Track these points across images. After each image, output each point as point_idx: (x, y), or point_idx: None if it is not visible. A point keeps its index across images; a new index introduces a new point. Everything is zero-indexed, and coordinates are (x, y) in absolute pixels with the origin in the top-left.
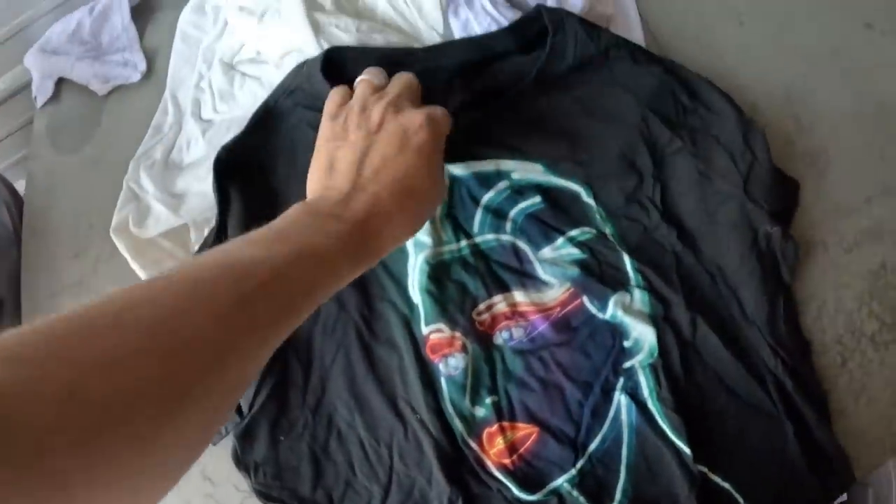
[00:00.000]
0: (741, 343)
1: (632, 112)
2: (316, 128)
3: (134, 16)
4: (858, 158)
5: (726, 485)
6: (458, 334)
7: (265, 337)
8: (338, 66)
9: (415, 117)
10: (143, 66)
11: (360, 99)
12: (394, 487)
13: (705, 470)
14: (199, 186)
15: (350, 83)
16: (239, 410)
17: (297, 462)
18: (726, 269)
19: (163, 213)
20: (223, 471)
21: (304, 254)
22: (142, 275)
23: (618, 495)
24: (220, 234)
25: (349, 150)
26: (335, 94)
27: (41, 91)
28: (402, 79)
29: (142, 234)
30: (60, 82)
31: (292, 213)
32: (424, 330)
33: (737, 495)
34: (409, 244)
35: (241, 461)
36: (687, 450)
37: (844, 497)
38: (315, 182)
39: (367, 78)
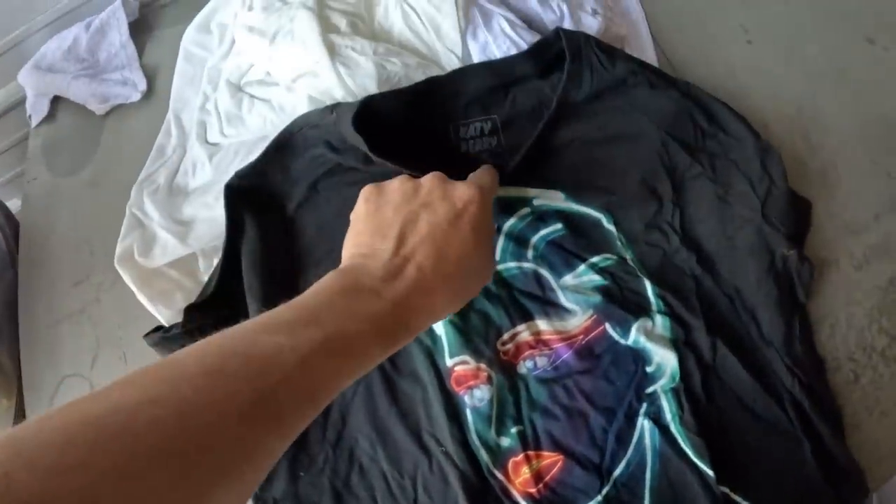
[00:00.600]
0: (759, 364)
1: (651, 138)
2: (338, 173)
3: (132, 32)
4: (866, 175)
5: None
6: (483, 365)
7: (286, 432)
8: (369, 113)
9: (467, 190)
10: (143, 85)
11: (405, 180)
12: None
13: (727, 491)
14: (207, 213)
15: (380, 129)
16: None
17: (318, 497)
18: (744, 291)
19: (169, 241)
20: None
21: (335, 341)
22: (149, 307)
23: None
24: (228, 263)
25: (397, 213)
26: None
27: (36, 110)
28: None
29: (148, 265)
30: (56, 100)
31: (326, 286)
32: (449, 362)
33: None
34: None
35: (260, 498)
36: (710, 472)
37: None
38: (355, 243)
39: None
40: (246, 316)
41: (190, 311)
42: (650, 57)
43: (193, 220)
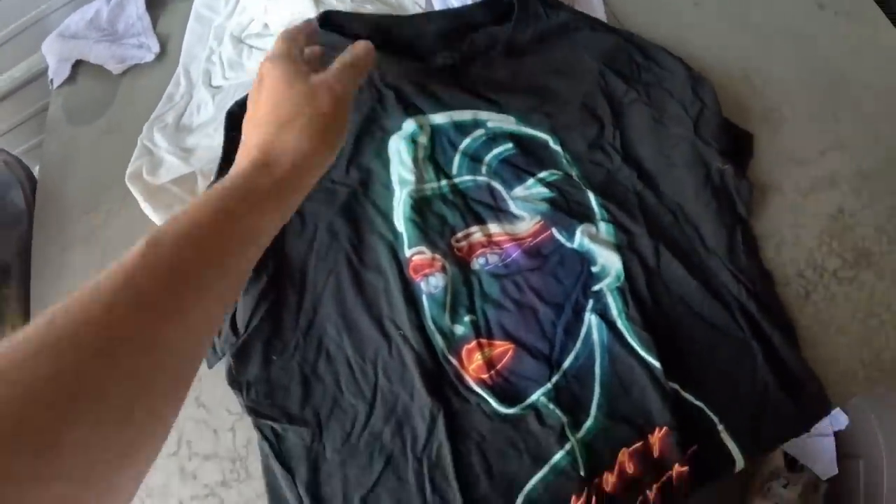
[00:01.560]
0: (704, 272)
1: (591, 70)
2: None
3: (148, 5)
4: (812, 118)
5: (699, 403)
6: (437, 256)
7: (226, 267)
8: (335, 27)
9: (268, 62)
10: (156, 47)
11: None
12: (378, 403)
13: (677, 387)
14: (208, 142)
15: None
16: (235, 330)
17: (288, 381)
18: (685, 205)
19: (174, 163)
20: (216, 396)
21: (196, 210)
22: (154, 217)
23: (593, 410)
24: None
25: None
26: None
27: (58, 74)
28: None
29: (154, 181)
30: (76, 65)
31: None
32: (408, 253)
33: (711, 414)
34: (395, 182)
35: (235, 380)
36: (657, 364)
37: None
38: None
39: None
40: None
41: None
42: (600, 17)
43: (196, 147)
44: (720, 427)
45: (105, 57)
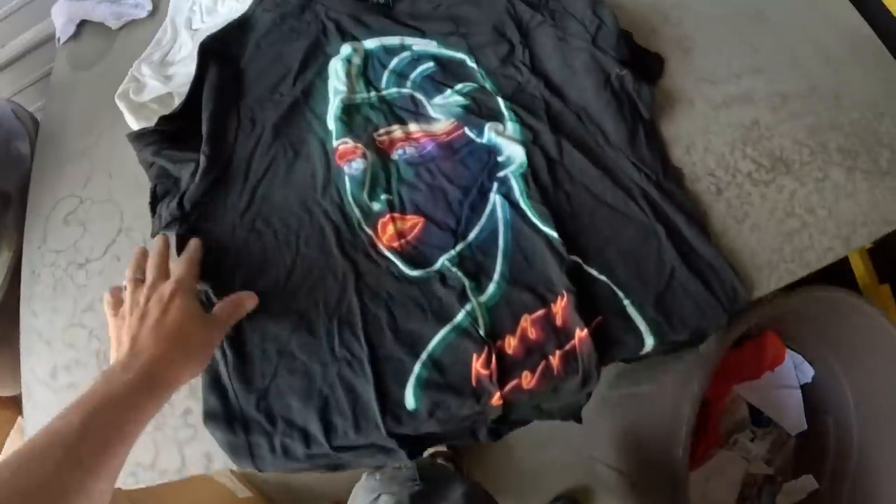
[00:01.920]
0: (606, 162)
1: (500, 0)
2: (273, 32)
3: None
4: (727, 46)
5: (603, 277)
6: (360, 146)
7: (109, 456)
8: None
9: (166, 288)
10: (149, 6)
11: (131, 294)
12: (298, 268)
13: (579, 261)
14: (185, 69)
15: None
16: (181, 207)
17: (223, 251)
18: (588, 107)
19: (156, 86)
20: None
21: (108, 399)
22: (134, 126)
23: (496, 276)
24: (193, 96)
25: (127, 330)
26: (129, 271)
27: (64, 32)
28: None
29: (138, 100)
30: (80, 25)
31: (97, 382)
32: (335, 143)
33: (616, 288)
34: (331, 93)
35: (179, 250)
36: (555, 234)
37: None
38: (112, 357)
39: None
40: (199, 130)
41: (162, 119)
42: None
43: (175, 74)
44: (626, 301)
45: (105, 15)
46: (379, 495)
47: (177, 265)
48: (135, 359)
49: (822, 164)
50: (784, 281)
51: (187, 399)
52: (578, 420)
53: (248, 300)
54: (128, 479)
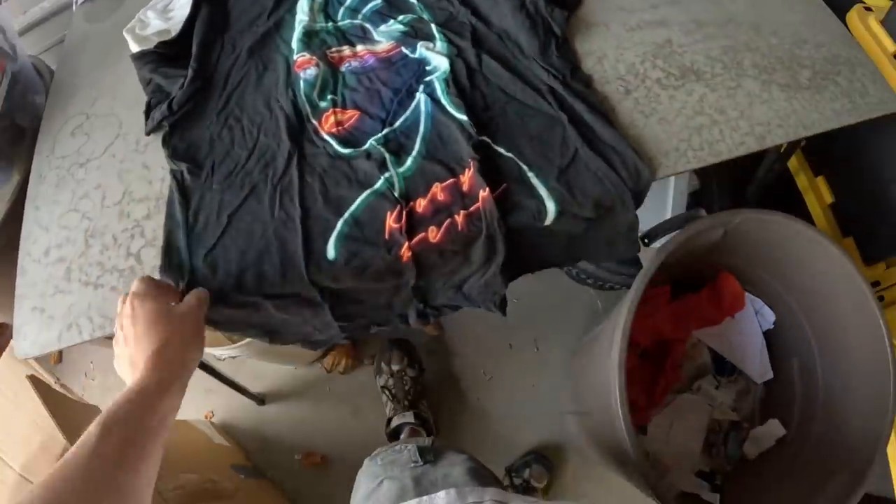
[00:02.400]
0: (519, 68)
1: None
2: None
3: None
4: None
5: (510, 154)
6: (315, 58)
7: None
8: None
9: (126, 308)
10: None
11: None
12: (255, 152)
13: (488, 141)
14: (182, 13)
15: None
16: (171, 108)
17: (199, 143)
18: (508, 29)
19: (157, 23)
20: (156, 160)
21: (121, 402)
22: (135, 49)
23: (414, 153)
24: (187, 27)
25: (127, 353)
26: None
27: None
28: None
29: (141, 33)
30: None
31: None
32: (295, 57)
33: (519, 162)
34: (297, 23)
35: (167, 141)
36: (465, 117)
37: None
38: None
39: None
40: (189, 55)
41: (161, 43)
42: None
43: (173, 17)
44: (530, 174)
45: None
46: (381, 481)
47: (136, 282)
48: (135, 368)
49: (735, 76)
50: (692, 165)
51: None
52: (503, 311)
53: (202, 293)
54: (96, 331)
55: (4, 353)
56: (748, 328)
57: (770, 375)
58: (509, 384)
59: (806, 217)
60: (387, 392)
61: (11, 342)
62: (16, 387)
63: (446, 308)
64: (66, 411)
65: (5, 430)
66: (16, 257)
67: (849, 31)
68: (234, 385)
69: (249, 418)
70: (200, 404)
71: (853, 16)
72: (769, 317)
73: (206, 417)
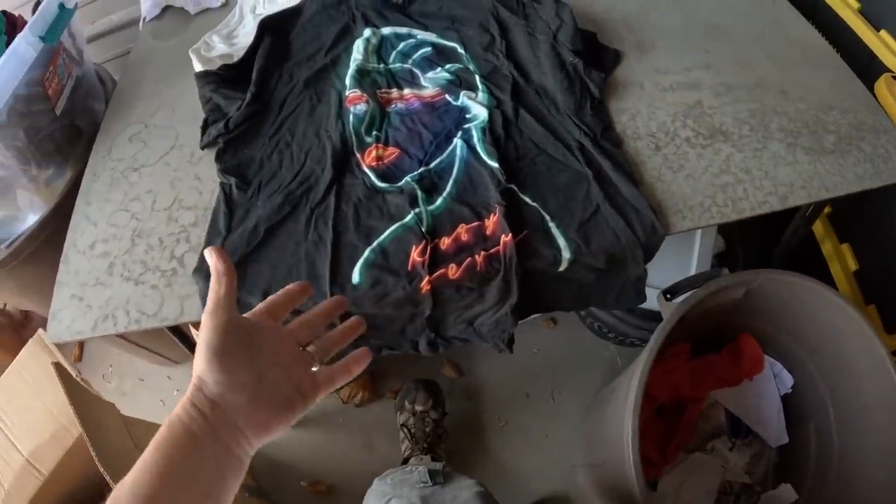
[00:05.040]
0: (553, 124)
1: (487, 4)
2: (317, 16)
3: None
4: (682, 50)
5: (534, 204)
6: (365, 95)
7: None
8: None
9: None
10: None
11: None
12: (300, 175)
13: (515, 189)
14: (245, 41)
15: None
16: (227, 127)
17: (249, 161)
18: (547, 86)
19: (221, 47)
20: (208, 173)
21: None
22: (198, 68)
23: (444, 194)
24: (249, 55)
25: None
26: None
27: (150, 12)
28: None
29: (207, 54)
30: (164, 10)
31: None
32: (347, 93)
33: (542, 212)
34: (351, 61)
35: (220, 156)
36: (496, 164)
37: None
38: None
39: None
40: (249, 80)
41: (224, 66)
42: None
43: (237, 43)
44: (551, 223)
45: (186, 1)
46: (389, 499)
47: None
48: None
49: (761, 138)
50: (715, 220)
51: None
52: (510, 348)
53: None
54: (131, 324)
55: (31, 343)
56: (766, 391)
57: (785, 440)
58: (523, 432)
59: (830, 284)
60: (406, 430)
61: (40, 329)
62: (37, 375)
63: (456, 340)
64: (85, 402)
65: (20, 416)
66: (52, 253)
67: (876, 99)
68: None
69: None
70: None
71: (881, 84)
72: (787, 381)
73: None
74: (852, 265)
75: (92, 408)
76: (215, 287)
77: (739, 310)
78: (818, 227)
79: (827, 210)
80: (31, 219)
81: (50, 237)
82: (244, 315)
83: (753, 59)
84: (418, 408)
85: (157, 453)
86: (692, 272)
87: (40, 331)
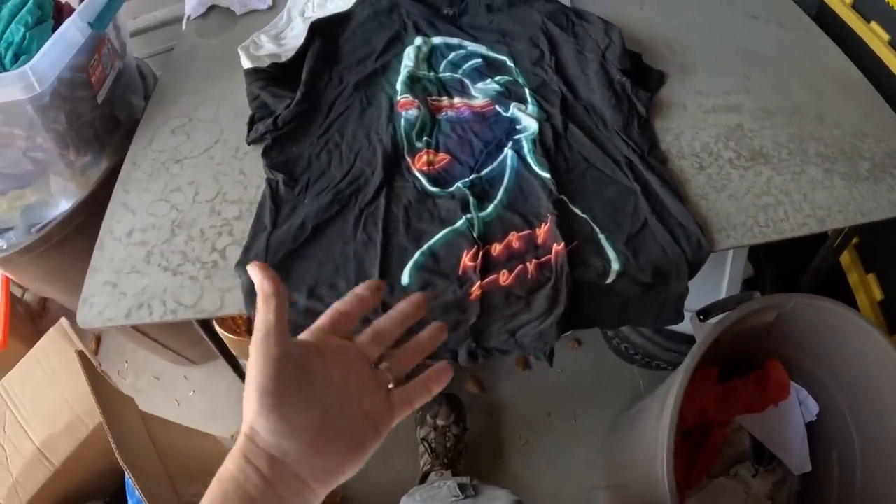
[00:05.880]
0: (601, 139)
1: (537, 20)
2: (367, 23)
3: None
4: (722, 73)
5: (584, 216)
6: (417, 101)
7: None
8: None
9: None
10: (270, 1)
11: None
12: (350, 175)
13: (566, 199)
14: (294, 43)
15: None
16: (275, 124)
17: (298, 159)
18: (594, 103)
19: (270, 46)
20: (254, 168)
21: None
22: (246, 65)
23: (496, 201)
24: (298, 56)
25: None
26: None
27: (195, 11)
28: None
29: (255, 53)
30: (209, 9)
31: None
32: (398, 98)
33: (592, 223)
34: (402, 68)
35: (267, 152)
36: (548, 175)
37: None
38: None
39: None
40: (298, 79)
41: (273, 64)
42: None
43: (286, 44)
44: (601, 235)
45: (233, 1)
46: None
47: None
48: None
49: (800, 162)
50: (757, 239)
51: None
52: (550, 362)
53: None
54: (167, 315)
55: (52, 331)
56: (791, 418)
57: (808, 468)
58: (543, 452)
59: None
60: (426, 445)
61: (62, 318)
62: (55, 364)
63: (497, 351)
64: (106, 393)
65: (35, 404)
66: (81, 241)
67: None
68: None
69: None
70: (228, 423)
71: None
72: (813, 408)
73: (232, 437)
74: (878, 295)
75: (113, 400)
76: (263, 311)
77: (768, 334)
78: (845, 257)
79: (854, 240)
80: (63, 205)
81: (80, 225)
82: (301, 338)
83: (790, 85)
84: (440, 422)
85: None
86: (723, 296)
87: (62, 320)
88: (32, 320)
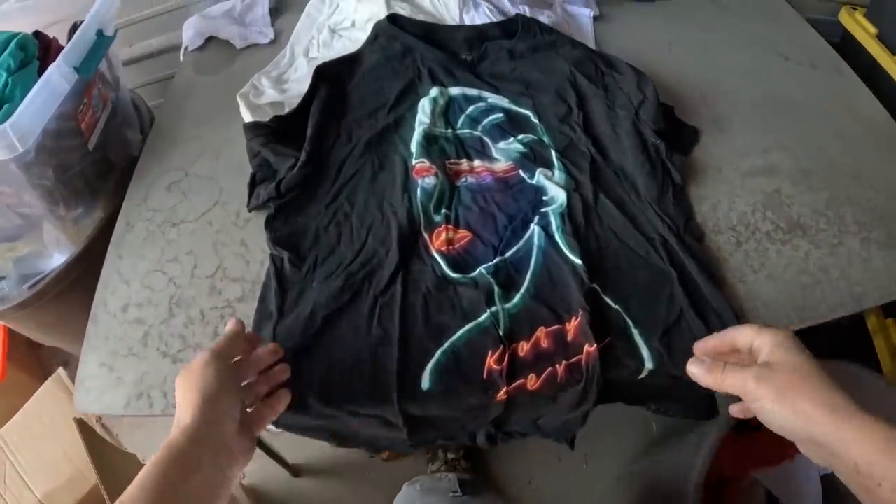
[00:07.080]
0: (634, 213)
1: (564, 70)
2: (376, 69)
3: (271, 11)
4: (757, 128)
5: (617, 307)
6: (434, 167)
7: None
8: (399, 26)
9: (205, 353)
10: (271, 35)
11: None
12: (361, 256)
13: (598, 289)
14: (298, 87)
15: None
16: (278, 190)
17: (305, 232)
18: (626, 167)
19: (271, 93)
20: (256, 240)
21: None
22: (247, 118)
23: (522, 290)
24: (303, 107)
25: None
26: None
27: (193, 43)
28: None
29: (256, 101)
30: (207, 41)
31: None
32: (414, 162)
33: (625, 316)
34: (417, 124)
35: (270, 223)
36: (580, 262)
37: None
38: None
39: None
40: (303, 134)
41: (275, 118)
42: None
43: (289, 89)
44: (634, 330)
45: (233, 34)
46: None
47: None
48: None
49: (837, 232)
50: (795, 326)
51: None
52: (571, 446)
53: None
54: (169, 408)
55: (49, 382)
56: (806, 473)
57: None
58: (553, 496)
59: (873, 358)
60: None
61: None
62: (54, 417)
63: (517, 434)
64: (106, 455)
65: (36, 455)
66: (78, 295)
67: None
68: (270, 452)
69: (280, 488)
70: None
71: None
72: None
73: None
74: None
75: (113, 461)
76: (220, 340)
77: None
78: None
79: None
80: (57, 258)
81: (76, 280)
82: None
83: (825, 138)
84: (450, 456)
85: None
86: None
87: (60, 370)
88: (32, 347)
